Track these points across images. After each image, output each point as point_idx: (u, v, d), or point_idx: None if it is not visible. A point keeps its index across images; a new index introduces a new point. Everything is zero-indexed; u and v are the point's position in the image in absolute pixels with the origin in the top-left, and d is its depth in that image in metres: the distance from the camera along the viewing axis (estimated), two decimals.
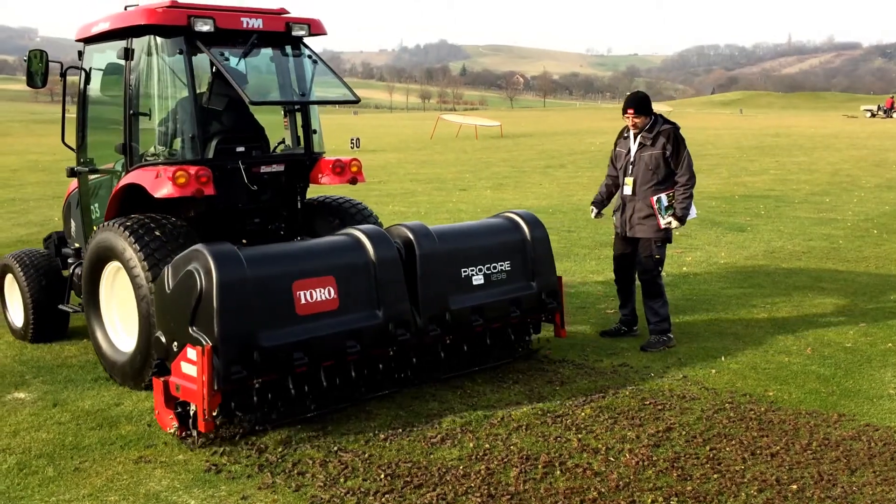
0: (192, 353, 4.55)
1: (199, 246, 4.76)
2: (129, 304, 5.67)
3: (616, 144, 7.03)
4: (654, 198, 6.60)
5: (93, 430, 5.03)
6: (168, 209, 5.97)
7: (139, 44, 5.99)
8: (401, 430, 4.90)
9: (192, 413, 4.69)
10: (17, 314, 7.23)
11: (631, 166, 6.76)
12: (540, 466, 4.37)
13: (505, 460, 4.46)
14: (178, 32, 5.83)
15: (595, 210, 7.21)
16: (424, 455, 4.56)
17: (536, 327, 6.24)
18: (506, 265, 5.91)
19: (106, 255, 5.78)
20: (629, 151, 6.81)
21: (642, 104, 6.69)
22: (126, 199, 6.06)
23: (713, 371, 5.98)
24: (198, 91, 6.07)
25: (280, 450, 4.65)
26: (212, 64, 6.01)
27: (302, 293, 4.87)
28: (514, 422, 5.00)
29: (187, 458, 4.59)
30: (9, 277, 7.28)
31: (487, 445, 4.66)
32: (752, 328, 7.13)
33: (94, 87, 6.68)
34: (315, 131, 6.65)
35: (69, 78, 6.84)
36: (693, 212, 6.72)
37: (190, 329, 4.62)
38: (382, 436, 4.83)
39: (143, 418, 5.19)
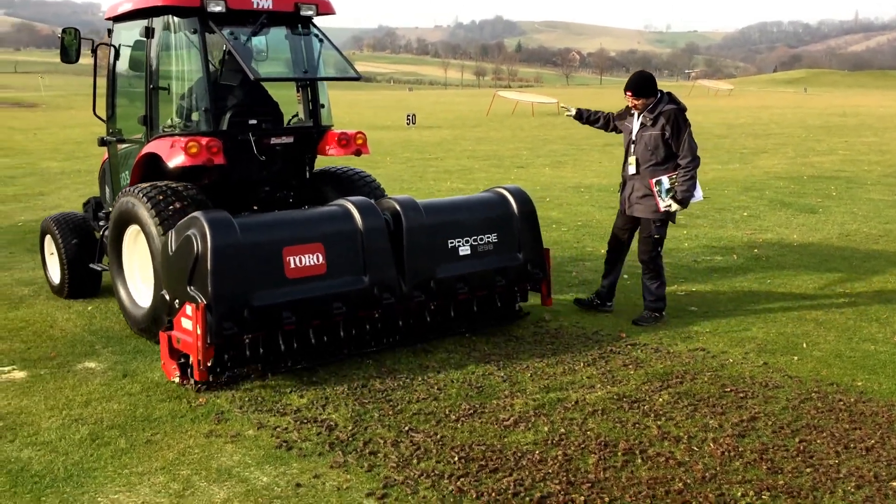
0: (189, 309, 4.98)
1: (196, 213, 5.18)
2: (147, 263, 6.05)
3: (624, 115, 6.87)
4: (654, 180, 6.47)
5: (163, 402, 5.03)
6: (185, 177, 6.34)
7: (158, 23, 6.41)
8: (472, 412, 4.78)
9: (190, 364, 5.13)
10: (55, 272, 7.72)
11: (633, 145, 6.66)
12: (619, 454, 4.21)
13: (582, 446, 4.31)
14: (193, 13, 6.20)
15: (572, 110, 7.21)
16: (498, 438, 4.43)
17: (524, 295, 6.53)
18: (493, 237, 6.21)
19: (127, 218, 6.17)
20: (632, 131, 6.70)
21: (641, 86, 6.57)
22: (148, 166, 6.49)
23: (795, 358, 5.72)
24: (214, 67, 6.51)
25: (350, 428, 4.58)
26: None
27: (292, 258, 5.27)
28: (589, 406, 4.84)
29: (257, 434, 4.54)
30: (48, 238, 7.78)
31: (563, 430, 4.51)
32: (833, 314, 6.82)
33: (123, 63, 7.09)
34: (323, 105, 6.99)
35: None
36: (698, 194, 6.56)
37: (188, 288, 5.06)
38: (454, 417, 4.71)
39: (212, 392, 5.17)
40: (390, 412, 4.79)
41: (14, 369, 5.77)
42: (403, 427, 4.57)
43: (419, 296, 5.77)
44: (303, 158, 6.98)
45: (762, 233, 10.64)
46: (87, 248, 7.45)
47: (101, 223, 7.54)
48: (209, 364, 5.05)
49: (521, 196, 6.41)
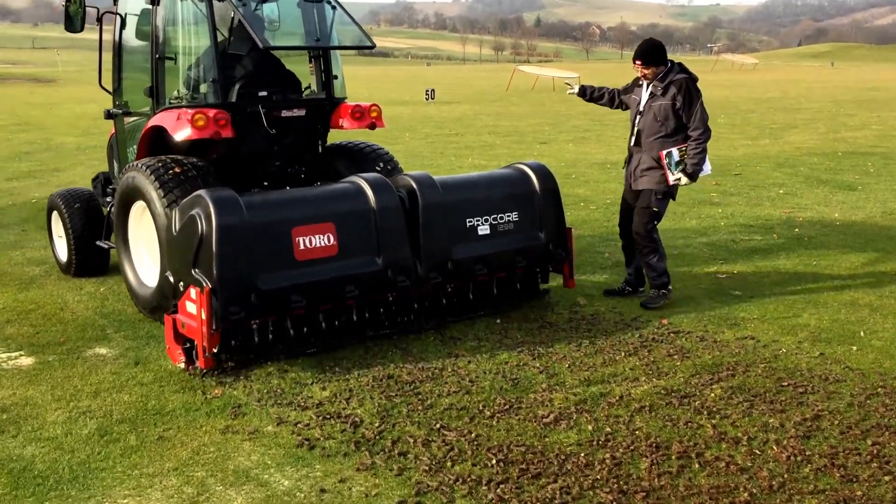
0: (193, 293, 4.71)
1: (201, 191, 4.88)
2: (153, 240, 5.82)
3: (631, 89, 6.48)
4: (664, 152, 6.12)
5: (176, 394, 4.70)
6: (192, 151, 6.10)
7: None
8: (508, 408, 4.41)
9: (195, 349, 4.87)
10: (62, 249, 7.47)
11: (640, 116, 6.26)
12: (674, 457, 3.83)
13: (632, 448, 3.93)
14: None
15: (576, 88, 6.76)
16: (538, 438, 4.06)
17: (545, 277, 6.25)
18: (513, 216, 5.91)
19: (132, 194, 5.92)
20: (640, 101, 6.29)
21: (651, 55, 6.19)
22: (155, 140, 6.21)
23: (854, 348, 5.31)
24: (222, 36, 6.20)
25: (377, 425, 4.23)
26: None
27: (301, 239, 5.00)
28: (634, 402, 4.46)
29: (277, 431, 4.20)
30: (55, 214, 7.50)
31: (609, 429, 4.13)
32: (888, 299, 6.38)
33: (129, 32, 6.76)
34: (336, 77, 6.66)
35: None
36: (707, 167, 6.22)
37: (192, 271, 4.79)
38: (488, 413, 4.35)
39: (228, 382, 4.84)
40: (419, 407, 4.43)
41: (21, 355, 5.48)
42: (434, 424, 4.22)
43: (435, 277, 5.50)
44: (315, 132, 6.66)
45: (801, 211, 10.17)
46: (95, 224, 7.21)
47: (109, 199, 7.28)
48: (215, 350, 4.78)
49: (542, 172, 6.10)
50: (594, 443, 3.99)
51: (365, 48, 6.53)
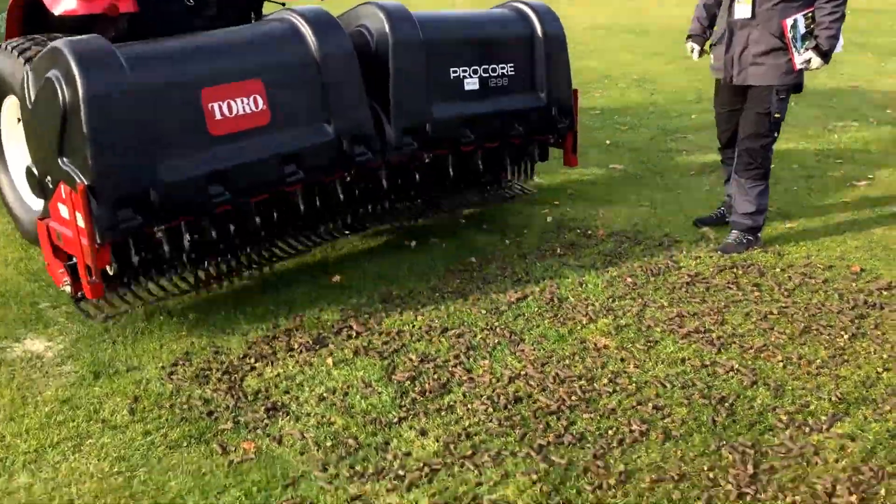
0: (64, 192, 3.42)
1: (58, 42, 3.43)
2: None
3: None
4: (789, 21, 4.23)
5: (178, 451, 2.81)
6: (80, 29, 4.57)
7: None
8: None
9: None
10: None
11: None
12: None
13: None
14: None
15: (696, 48, 4.81)
16: None
17: (543, 153, 5.01)
18: (509, 68, 4.69)
19: (1, 86, 4.62)
20: None
21: None
22: (29, 12, 4.83)
23: None
24: None
25: None
26: None
27: (216, 105, 3.67)
28: None
29: None
30: None
31: None
32: None
33: None
34: None
35: None
36: (840, 43, 4.36)
37: (59, 161, 3.48)
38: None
39: (259, 424, 2.97)
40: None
41: None
42: None
43: (410, 144, 4.28)
44: (247, 1, 5.20)
45: None
46: None
47: None
48: (109, 271, 3.45)
49: (546, 14, 4.76)
50: None
51: None
